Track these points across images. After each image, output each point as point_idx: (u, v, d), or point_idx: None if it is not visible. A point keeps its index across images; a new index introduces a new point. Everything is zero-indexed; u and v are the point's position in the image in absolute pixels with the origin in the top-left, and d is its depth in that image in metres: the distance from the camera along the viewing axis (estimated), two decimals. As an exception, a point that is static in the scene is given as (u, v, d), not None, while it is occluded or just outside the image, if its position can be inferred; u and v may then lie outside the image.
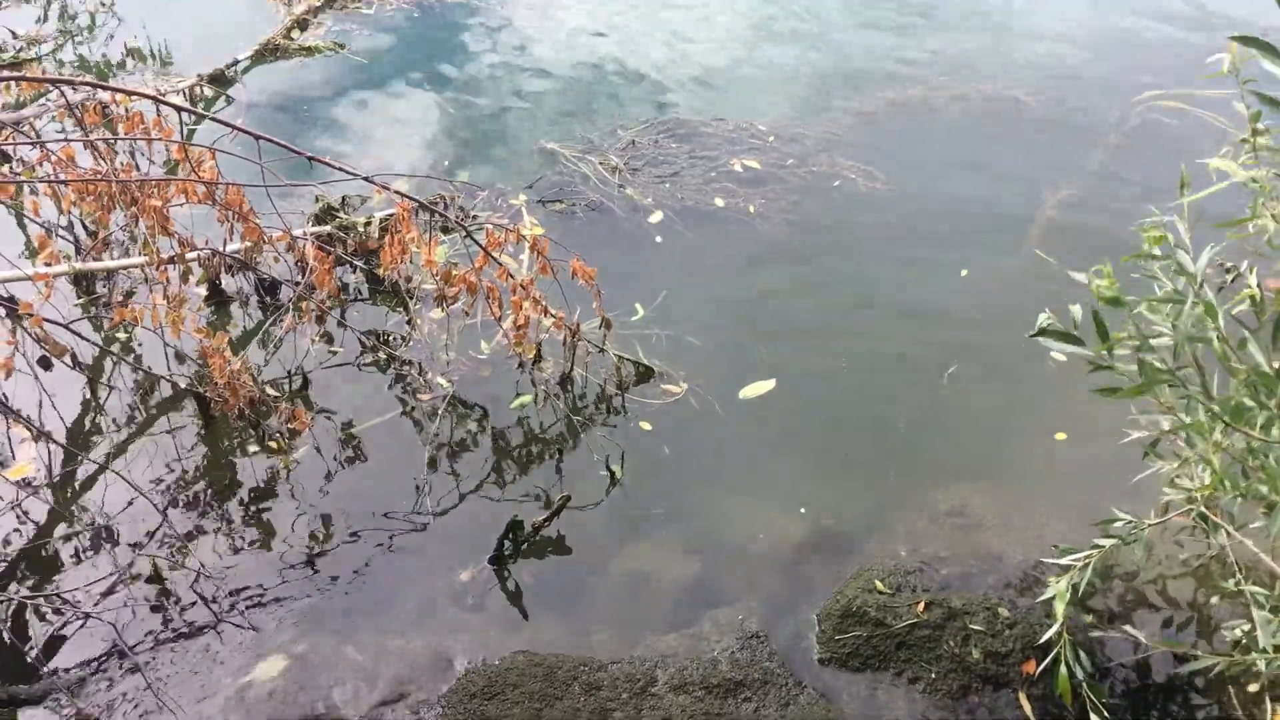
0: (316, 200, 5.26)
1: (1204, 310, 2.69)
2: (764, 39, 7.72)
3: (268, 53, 6.91)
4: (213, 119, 4.21)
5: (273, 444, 4.39)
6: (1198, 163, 2.97)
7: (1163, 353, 2.74)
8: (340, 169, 4.20)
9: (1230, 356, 2.67)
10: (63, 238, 5.09)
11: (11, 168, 4.89)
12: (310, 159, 4.26)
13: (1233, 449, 2.91)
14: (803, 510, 4.25)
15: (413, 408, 4.64)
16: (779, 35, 7.77)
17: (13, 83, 5.64)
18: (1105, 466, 4.18)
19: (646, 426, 4.59)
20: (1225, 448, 2.95)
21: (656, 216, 5.84)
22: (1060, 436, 4.56)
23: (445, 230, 5.15)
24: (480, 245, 4.41)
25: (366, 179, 4.36)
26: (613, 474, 4.36)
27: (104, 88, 4.41)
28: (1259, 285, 2.90)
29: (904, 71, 7.26)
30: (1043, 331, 2.71)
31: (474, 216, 5.56)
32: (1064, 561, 3.20)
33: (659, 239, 5.70)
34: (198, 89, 6.50)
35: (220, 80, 6.60)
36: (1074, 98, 6.99)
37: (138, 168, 5.11)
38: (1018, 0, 8.28)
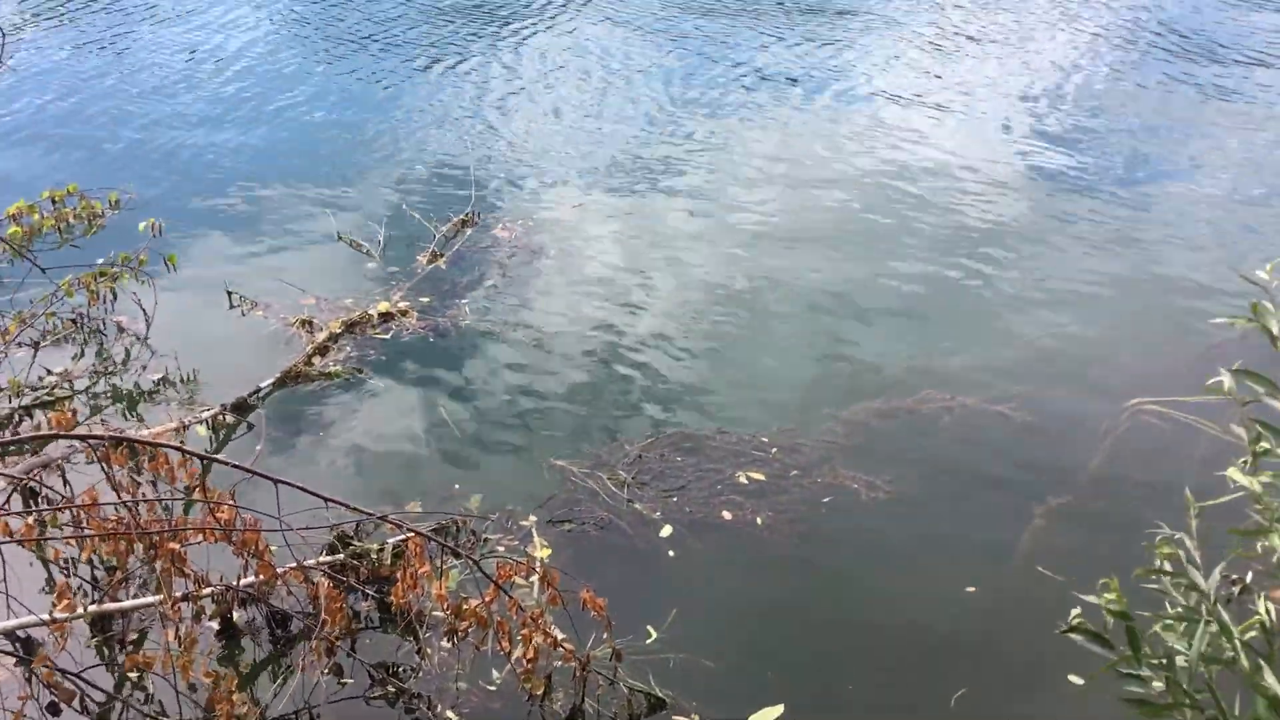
0: (330, 530, 5.39)
1: (1220, 631, 2.72)
2: (755, 350, 8.03)
3: (289, 379, 7.25)
4: (235, 466, 4.42)
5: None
6: (1215, 473, 3.05)
7: (1181, 674, 2.75)
8: (356, 510, 4.37)
9: (1255, 676, 2.66)
10: (79, 577, 5.19)
11: (38, 511, 5.06)
12: (326, 500, 4.44)
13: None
14: None
15: (421, 746, 4.57)
16: (766, 346, 8.07)
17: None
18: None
19: (659, 762, 4.51)
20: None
21: (666, 531, 5.94)
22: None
23: (456, 555, 5.24)
24: (489, 577, 4.50)
25: (382, 518, 4.53)
26: (623, 821, 4.24)
27: (127, 440, 4.66)
28: (1267, 604, 2.92)
29: (889, 382, 7.53)
30: (1074, 629, 2.73)
31: (485, 539, 5.68)
32: None
33: (671, 553, 5.78)
34: (220, 417, 6.79)
35: (243, 408, 6.91)
36: (1059, 407, 7.22)
37: (160, 502, 5.29)
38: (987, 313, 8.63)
